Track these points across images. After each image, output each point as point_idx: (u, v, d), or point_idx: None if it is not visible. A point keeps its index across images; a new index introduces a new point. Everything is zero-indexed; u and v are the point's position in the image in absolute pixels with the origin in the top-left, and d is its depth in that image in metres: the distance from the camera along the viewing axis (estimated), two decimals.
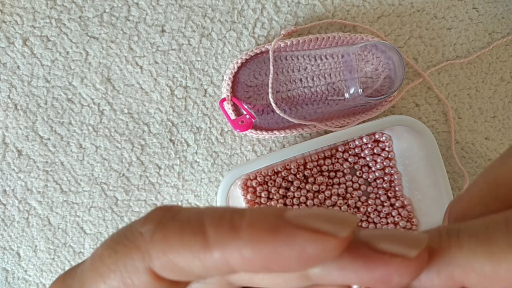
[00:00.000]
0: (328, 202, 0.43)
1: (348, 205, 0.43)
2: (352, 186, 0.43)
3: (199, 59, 0.42)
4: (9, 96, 0.41)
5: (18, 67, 0.41)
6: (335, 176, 0.43)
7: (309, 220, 0.11)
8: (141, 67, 0.41)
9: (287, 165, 0.42)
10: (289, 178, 0.42)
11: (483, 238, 0.11)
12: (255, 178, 0.42)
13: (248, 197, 0.42)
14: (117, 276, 0.13)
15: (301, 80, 0.41)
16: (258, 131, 0.41)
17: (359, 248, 0.12)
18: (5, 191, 0.42)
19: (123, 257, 0.13)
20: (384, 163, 0.43)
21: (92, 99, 0.41)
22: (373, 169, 0.43)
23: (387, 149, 0.43)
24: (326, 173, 0.43)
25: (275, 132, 0.41)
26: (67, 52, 0.41)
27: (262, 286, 0.14)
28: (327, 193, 0.42)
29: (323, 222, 0.11)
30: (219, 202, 0.38)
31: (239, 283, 0.15)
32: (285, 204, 0.42)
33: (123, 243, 0.13)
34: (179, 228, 0.12)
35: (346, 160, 0.43)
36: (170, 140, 0.42)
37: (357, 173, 0.43)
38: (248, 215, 0.12)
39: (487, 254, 0.11)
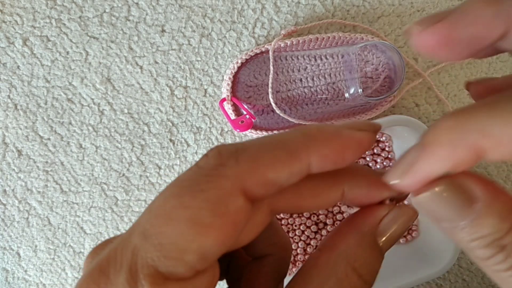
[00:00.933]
0: None
1: (348, 205, 0.43)
2: None
3: (199, 59, 0.42)
4: (9, 96, 0.41)
5: (18, 67, 0.41)
6: None
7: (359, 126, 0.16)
8: (141, 67, 0.41)
9: None
10: None
11: (494, 105, 0.13)
12: None
13: None
14: (208, 210, 0.13)
15: (301, 80, 0.41)
16: (258, 131, 0.41)
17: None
18: (5, 191, 0.42)
19: (212, 190, 0.13)
20: (384, 163, 0.43)
21: (92, 99, 0.41)
22: (373, 169, 0.43)
23: (387, 149, 0.43)
24: None
25: (275, 132, 0.41)
26: (67, 52, 0.41)
27: (305, 209, 0.17)
28: None
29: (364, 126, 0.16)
30: None
31: (284, 209, 0.17)
32: None
33: (205, 181, 0.14)
34: (257, 148, 0.15)
35: None
36: (170, 140, 0.42)
37: None
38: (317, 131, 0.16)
39: (499, 117, 0.13)
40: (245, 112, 0.40)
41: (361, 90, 0.38)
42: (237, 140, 0.43)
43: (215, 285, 0.15)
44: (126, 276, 0.13)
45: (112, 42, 0.41)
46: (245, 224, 0.14)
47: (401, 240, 0.42)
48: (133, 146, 0.42)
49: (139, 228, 0.14)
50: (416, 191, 0.15)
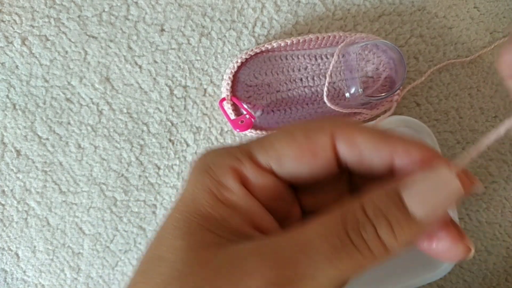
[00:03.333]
0: None
1: None
2: None
3: (198, 58, 0.41)
4: (7, 96, 0.41)
5: (17, 66, 0.41)
6: None
7: None
8: (140, 67, 0.41)
9: None
10: None
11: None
12: None
13: None
14: (302, 132, 0.18)
15: (301, 79, 0.41)
16: (258, 131, 0.40)
17: None
18: (3, 191, 0.42)
19: (314, 125, 0.18)
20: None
21: (91, 98, 0.41)
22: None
23: None
24: None
25: None
26: (66, 52, 0.41)
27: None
28: None
29: None
30: None
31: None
32: None
33: (314, 122, 0.19)
34: (361, 124, 0.19)
35: None
36: (170, 140, 0.42)
37: None
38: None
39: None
40: (245, 112, 0.40)
41: (361, 89, 0.38)
42: (237, 140, 0.43)
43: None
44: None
45: (111, 41, 0.41)
46: (324, 160, 0.18)
47: None
48: (132, 146, 0.42)
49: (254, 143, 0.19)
50: None
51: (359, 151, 0.18)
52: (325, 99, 0.40)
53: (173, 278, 0.16)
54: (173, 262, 0.16)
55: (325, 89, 0.40)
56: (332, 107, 0.40)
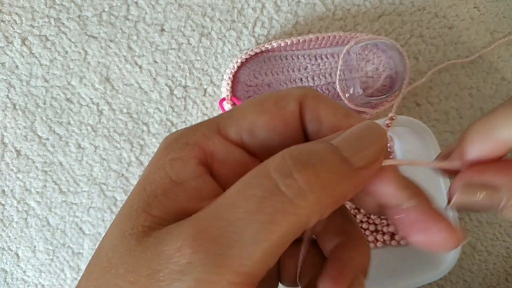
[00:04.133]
0: None
1: (349, 206, 0.42)
2: None
3: (198, 58, 0.41)
4: (7, 96, 0.41)
5: (17, 66, 0.41)
6: None
7: None
8: (140, 67, 0.41)
9: None
10: None
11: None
12: None
13: None
14: (272, 100, 0.18)
15: (301, 79, 0.41)
16: None
17: None
18: (3, 191, 0.42)
19: (283, 93, 0.18)
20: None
21: (91, 98, 0.41)
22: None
23: (388, 149, 0.43)
24: None
25: None
26: (66, 52, 0.41)
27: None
28: None
29: None
30: None
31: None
32: None
33: (283, 90, 0.18)
34: (329, 99, 0.18)
35: None
36: None
37: None
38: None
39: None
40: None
41: (361, 89, 0.38)
42: None
43: None
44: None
45: (111, 41, 0.41)
46: (294, 129, 0.18)
47: (401, 242, 0.41)
48: (132, 146, 0.42)
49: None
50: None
51: (319, 123, 0.18)
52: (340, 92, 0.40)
53: (104, 270, 0.14)
54: (106, 252, 0.15)
55: (338, 87, 0.40)
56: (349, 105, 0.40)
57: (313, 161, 0.14)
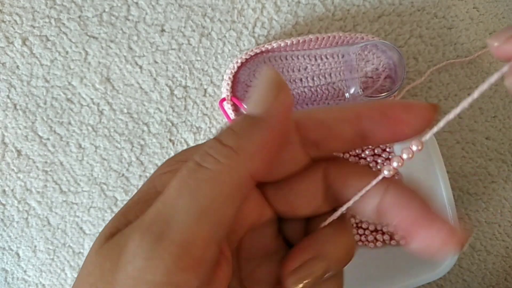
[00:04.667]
0: None
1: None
2: None
3: (199, 58, 0.42)
4: (8, 96, 0.41)
5: (18, 67, 0.41)
6: None
7: None
8: (140, 67, 0.41)
9: None
10: None
11: None
12: None
13: None
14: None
15: (301, 80, 0.41)
16: None
17: None
18: (4, 191, 0.42)
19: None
20: (385, 164, 0.43)
21: (92, 99, 0.41)
22: (373, 170, 0.43)
23: (388, 150, 0.43)
24: None
25: None
26: (67, 52, 0.41)
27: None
28: None
29: None
30: None
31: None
32: None
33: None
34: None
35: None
36: (170, 140, 0.42)
37: None
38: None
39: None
40: (245, 112, 0.40)
41: (361, 90, 0.38)
42: None
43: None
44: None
45: (111, 41, 0.41)
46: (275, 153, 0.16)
47: (401, 242, 0.41)
48: (133, 146, 0.42)
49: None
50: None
51: (323, 125, 0.17)
52: (353, 91, 0.40)
53: (87, 274, 0.15)
54: (89, 255, 0.16)
55: (353, 84, 0.40)
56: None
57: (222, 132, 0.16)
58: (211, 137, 0.43)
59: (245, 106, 0.16)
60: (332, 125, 0.17)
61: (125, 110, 0.42)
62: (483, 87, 0.16)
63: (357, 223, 0.42)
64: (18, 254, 0.43)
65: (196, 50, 0.41)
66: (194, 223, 0.14)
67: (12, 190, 0.42)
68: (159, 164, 0.42)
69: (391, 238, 0.42)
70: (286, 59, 0.41)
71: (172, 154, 0.42)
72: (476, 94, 0.17)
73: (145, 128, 0.42)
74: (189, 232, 0.14)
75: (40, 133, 0.41)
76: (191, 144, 0.42)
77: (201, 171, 0.15)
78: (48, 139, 0.41)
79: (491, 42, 0.16)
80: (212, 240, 0.14)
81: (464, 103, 0.17)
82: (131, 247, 0.14)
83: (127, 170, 0.42)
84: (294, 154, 0.17)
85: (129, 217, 0.16)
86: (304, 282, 0.16)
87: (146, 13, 0.41)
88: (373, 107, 0.17)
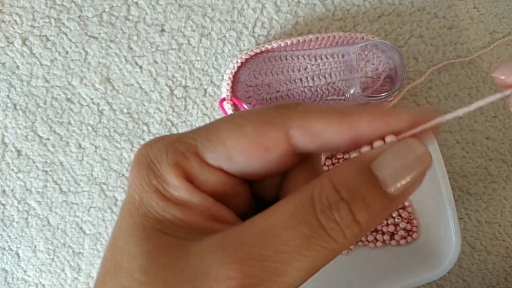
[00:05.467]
0: None
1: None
2: None
3: (198, 58, 0.42)
4: (8, 96, 0.41)
5: (17, 66, 0.41)
6: None
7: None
8: (140, 67, 0.41)
9: None
10: None
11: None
12: None
13: None
14: (253, 126, 0.17)
15: (301, 80, 0.41)
16: None
17: None
18: (4, 191, 0.42)
19: (265, 117, 0.17)
20: None
21: (92, 98, 0.41)
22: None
23: None
24: None
25: None
26: (67, 52, 0.41)
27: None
28: None
29: None
30: None
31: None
32: None
33: (265, 113, 0.17)
34: (318, 107, 0.17)
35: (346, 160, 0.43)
36: None
37: None
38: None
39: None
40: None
41: (361, 90, 0.38)
42: None
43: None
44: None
45: (111, 41, 0.41)
46: (279, 154, 0.17)
47: (401, 242, 0.41)
48: (133, 146, 0.42)
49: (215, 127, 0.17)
50: None
51: (319, 137, 0.17)
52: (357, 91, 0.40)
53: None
54: (131, 271, 0.15)
55: (358, 83, 0.40)
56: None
57: (358, 200, 0.15)
58: None
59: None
60: (328, 140, 0.17)
61: (125, 110, 0.42)
62: (482, 103, 0.17)
63: None
64: (18, 254, 0.43)
65: (196, 50, 0.41)
66: (303, 280, 0.15)
67: (12, 190, 0.42)
68: None
69: (391, 238, 0.42)
70: (286, 59, 0.41)
71: None
72: (473, 107, 0.17)
73: (145, 128, 0.42)
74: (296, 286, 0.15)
75: (40, 133, 0.41)
76: None
77: (325, 240, 0.15)
78: (48, 139, 0.41)
79: (498, 75, 0.16)
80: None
81: (459, 112, 0.17)
82: (229, 283, 0.14)
83: (127, 170, 0.42)
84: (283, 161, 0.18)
85: (168, 231, 0.16)
86: None
87: (146, 13, 0.41)
88: (375, 114, 0.17)
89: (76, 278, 0.43)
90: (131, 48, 0.41)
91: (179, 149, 0.17)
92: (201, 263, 0.15)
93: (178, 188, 0.16)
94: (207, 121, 0.42)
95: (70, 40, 0.41)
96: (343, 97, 0.41)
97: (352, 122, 0.16)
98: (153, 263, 0.15)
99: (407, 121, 0.16)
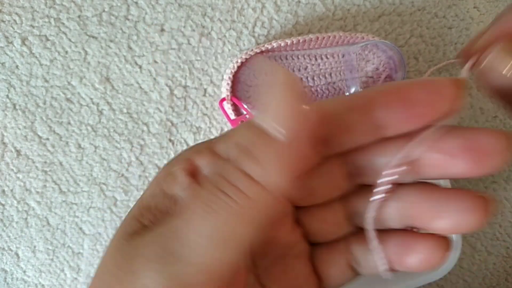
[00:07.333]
0: None
1: None
2: None
3: (198, 58, 0.41)
4: (7, 96, 0.41)
5: (17, 66, 0.41)
6: None
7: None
8: (140, 67, 0.41)
9: None
10: None
11: None
12: None
13: None
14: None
15: (301, 79, 0.41)
16: None
17: None
18: (3, 191, 0.42)
19: None
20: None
21: (91, 98, 0.41)
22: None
23: None
24: None
25: None
26: (66, 52, 0.41)
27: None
28: None
29: None
30: None
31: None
32: None
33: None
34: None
35: None
36: (170, 140, 0.42)
37: None
38: None
39: None
40: (245, 112, 0.40)
41: (361, 89, 0.38)
42: None
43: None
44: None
45: (111, 41, 0.41)
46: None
47: None
48: (132, 146, 0.42)
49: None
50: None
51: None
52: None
53: (103, 272, 0.16)
54: (105, 255, 0.16)
55: (359, 83, 0.40)
56: None
57: (243, 155, 0.14)
58: (211, 137, 0.43)
59: (263, 123, 0.14)
60: (340, 117, 0.15)
61: (125, 110, 0.41)
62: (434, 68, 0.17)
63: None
64: (17, 255, 0.42)
65: (196, 49, 0.41)
66: (215, 249, 0.14)
67: (12, 190, 0.42)
68: (159, 164, 0.42)
69: None
70: (286, 58, 0.41)
71: (172, 154, 0.42)
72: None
73: (145, 128, 0.42)
74: (209, 257, 0.14)
75: (39, 133, 0.41)
76: (191, 144, 0.42)
77: (228, 202, 0.14)
78: (47, 139, 0.41)
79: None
80: (232, 266, 0.14)
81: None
82: (146, 264, 0.14)
83: (127, 170, 0.42)
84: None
85: (144, 221, 0.16)
86: None
87: (146, 13, 0.41)
88: (386, 90, 0.15)
89: (76, 279, 0.43)
90: (130, 48, 0.41)
91: (197, 147, 0.17)
92: (134, 253, 0.16)
93: (176, 180, 0.17)
94: (207, 121, 0.42)
95: (70, 40, 0.41)
96: None
97: (363, 101, 0.16)
98: (113, 247, 0.16)
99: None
